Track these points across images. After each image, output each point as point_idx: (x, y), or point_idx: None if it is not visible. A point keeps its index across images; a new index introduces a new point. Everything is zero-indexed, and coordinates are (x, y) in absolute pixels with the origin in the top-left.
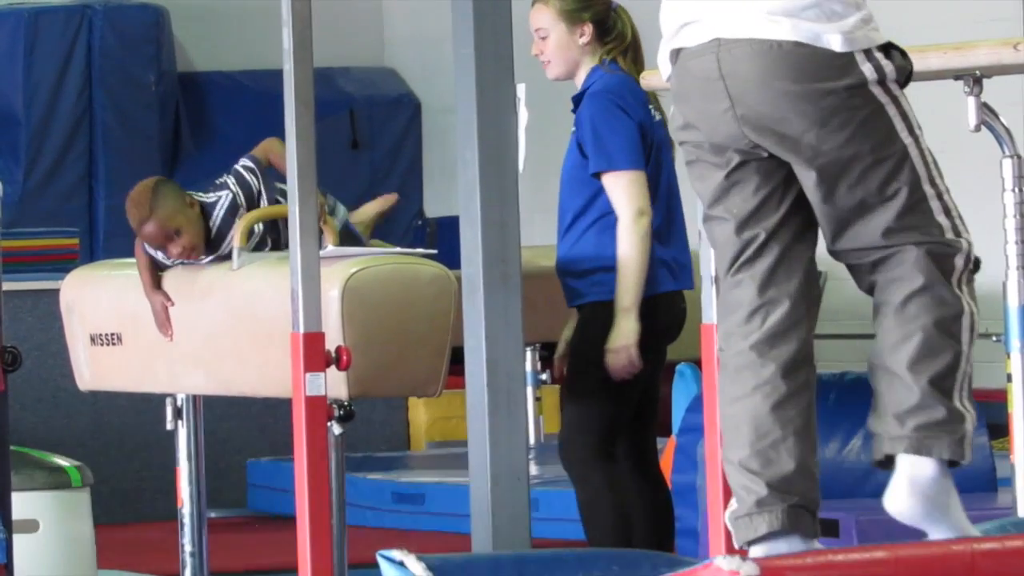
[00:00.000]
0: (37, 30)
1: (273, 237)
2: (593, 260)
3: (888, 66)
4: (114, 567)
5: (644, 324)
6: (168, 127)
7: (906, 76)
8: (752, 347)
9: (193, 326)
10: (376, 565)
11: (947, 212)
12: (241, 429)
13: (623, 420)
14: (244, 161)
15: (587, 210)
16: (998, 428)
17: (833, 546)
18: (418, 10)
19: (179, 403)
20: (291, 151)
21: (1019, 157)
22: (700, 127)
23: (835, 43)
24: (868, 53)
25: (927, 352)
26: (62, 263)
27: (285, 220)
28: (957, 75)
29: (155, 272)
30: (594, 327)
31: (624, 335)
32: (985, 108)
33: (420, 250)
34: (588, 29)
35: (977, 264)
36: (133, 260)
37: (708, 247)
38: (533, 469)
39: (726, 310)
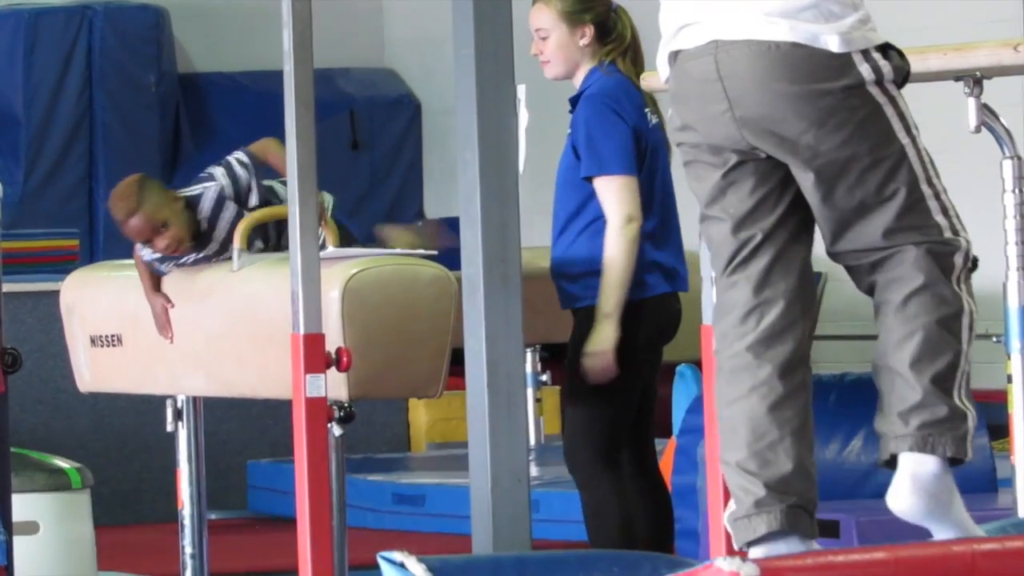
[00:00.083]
0: (37, 31)
1: (262, 235)
2: (587, 263)
3: (886, 66)
4: (114, 569)
5: (640, 327)
6: (168, 128)
7: (903, 76)
8: (748, 348)
9: (193, 328)
10: (376, 567)
11: (945, 211)
12: (241, 431)
13: (626, 423)
14: (238, 154)
15: (580, 213)
16: (998, 429)
17: (833, 547)
18: (418, 11)
19: (179, 405)
20: (291, 152)
21: (1019, 158)
22: (698, 128)
23: (833, 44)
24: (866, 54)
25: (928, 350)
26: (62, 264)
27: (276, 222)
28: (957, 76)
29: (155, 274)
30: (591, 331)
31: (603, 340)
32: (985, 109)
33: (420, 251)
34: (589, 31)
35: (975, 263)
36: (133, 261)
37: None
38: (533, 470)
39: (722, 311)
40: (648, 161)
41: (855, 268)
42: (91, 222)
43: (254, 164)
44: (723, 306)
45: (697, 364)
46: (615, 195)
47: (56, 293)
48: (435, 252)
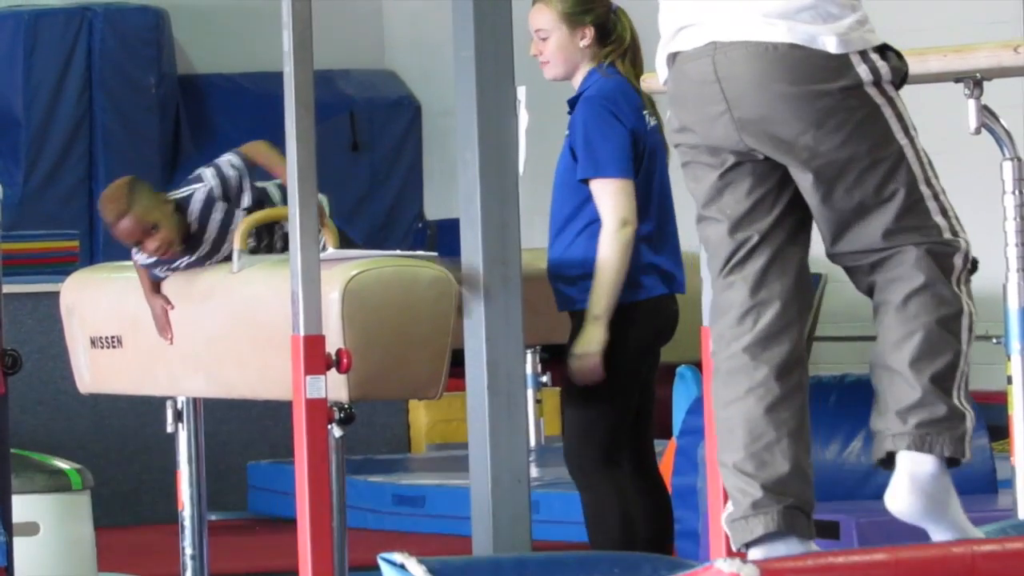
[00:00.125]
0: (37, 32)
1: (255, 236)
2: (584, 266)
3: (883, 67)
4: (114, 570)
5: (638, 329)
6: (168, 129)
7: (902, 77)
8: (745, 349)
9: (193, 329)
10: (376, 568)
11: (944, 212)
12: (241, 432)
13: (625, 424)
14: (229, 156)
15: (578, 215)
16: (998, 430)
17: (833, 548)
18: (418, 12)
19: (179, 406)
20: (291, 153)
21: (1019, 160)
22: (696, 130)
23: (830, 45)
24: (863, 54)
25: (928, 350)
26: (62, 265)
27: (269, 225)
28: (957, 78)
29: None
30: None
31: (591, 342)
32: (985, 111)
33: (420, 252)
34: (589, 32)
35: (975, 265)
36: (132, 263)
37: None
38: (533, 471)
39: (718, 312)
40: (646, 163)
41: (854, 269)
42: (91, 223)
43: (246, 165)
44: (720, 307)
45: (697, 365)
46: (611, 198)
47: (56, 294)
48: (435, 254)
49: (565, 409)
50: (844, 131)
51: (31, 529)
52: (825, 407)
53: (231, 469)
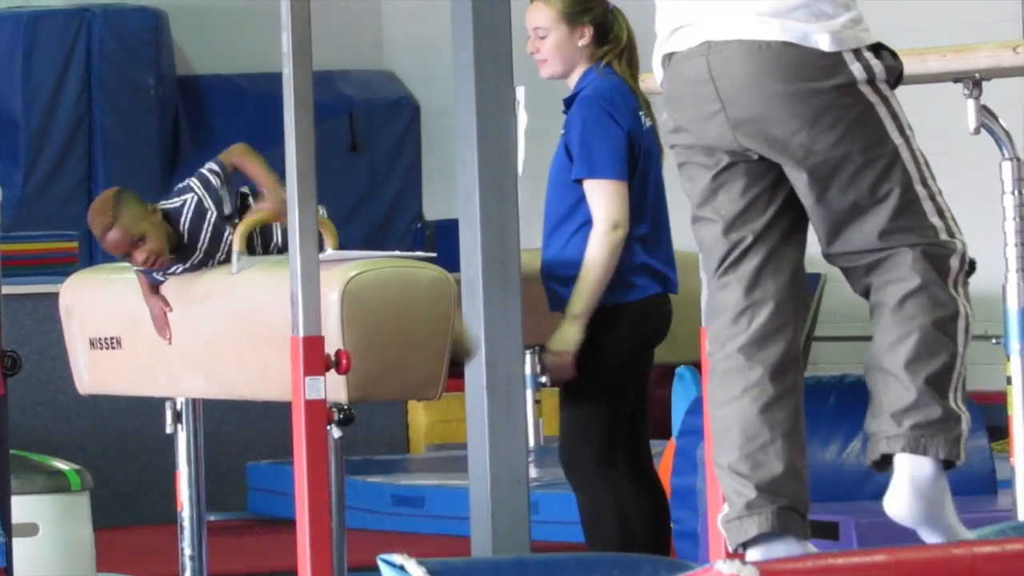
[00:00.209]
0: (36, 33)
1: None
2: (579, 267)
3: (878, 66)
4: (113, 570)
5: (632, 328)
6: (167, 130)
7: (896, 76)
8: (739, 350)
9: (193, 330)
10: (375, 568)
11: (940, 213)
12: (241, 432)
13: (621, 425)
14: (211, 165)
15: (572, 215)
16: (998, 430)
17: (832, 549)
18: (417, 13)
19: (179, 407)
20: (290, 154)
21: (1018, 160)
22: (691, 129)
23: (823, 43)
24: (857, 53)
25: (924, 352)
26: (61, 266)
27: (260, 228)
28: (957, 78)
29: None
30: (589, 335)
31: (566, 341)
32: (985, 111)
33: (420, 253)
34: (588, 32)
35: (972, 266)
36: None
37: None
38: (533, 472)
39: (714, 313)
40: (641, 164)
41: (850, 270)
42: None
43: (225, 172)
44: (715, 307)
45: (696, 365)
46: (604, 200)
47: (55, 295)
48: (434, 255)
49: (561, 410)
50: (838, 129)
51: (30, 530)
52: (824, 407)
53: (230, 470)
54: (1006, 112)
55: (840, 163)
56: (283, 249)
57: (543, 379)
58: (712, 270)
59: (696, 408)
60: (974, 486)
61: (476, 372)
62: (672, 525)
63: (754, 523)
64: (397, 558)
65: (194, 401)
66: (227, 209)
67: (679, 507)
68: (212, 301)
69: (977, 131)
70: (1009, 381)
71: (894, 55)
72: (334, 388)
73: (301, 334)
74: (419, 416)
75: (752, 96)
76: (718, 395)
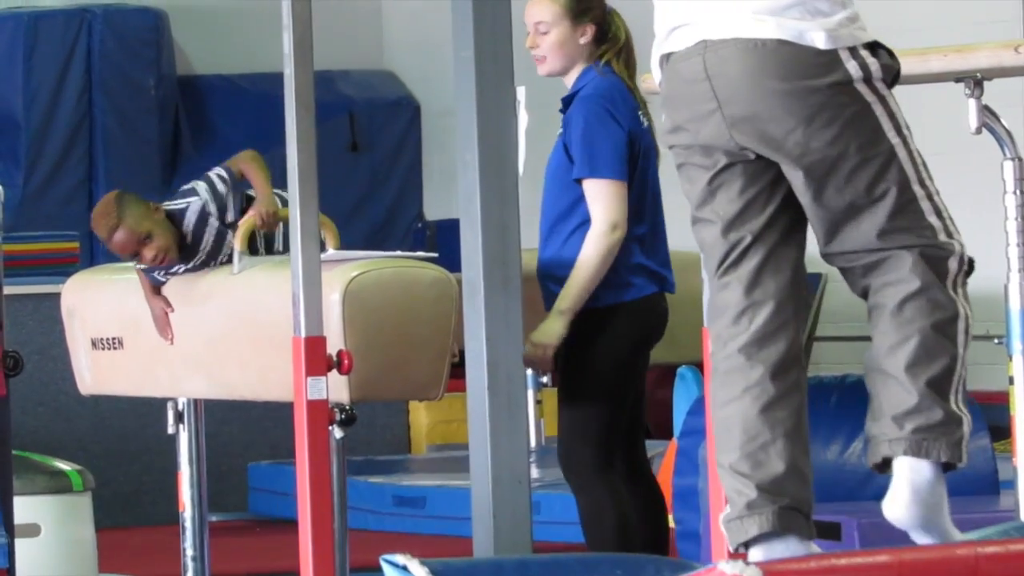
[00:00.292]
0: (37, 34)
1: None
2: None
3: (874, 64)
4: (115, 571)
5: (630, 328)
6: (168, 130)
7: (893, 75)
8: (740, 350)
9: (194, 330)
10: (377, 569)
11: (938, 213)
12: (242, 433)
13: (621, 425)
14: (219, 170)
15: (571, 214)
16: (1000, 430)
17: (835, 549)
18: (417, 13)
19: (180, 407)
20: (291, 154)
21: (1020, 159)
22: (688, 128)
23: (819, 40)
24: (853, 51)
25: (924, 355)
26: (62, 267)
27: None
28: (958, 77)
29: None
30: (587, 335)
31: (550, 334)
32: (986, 110)
33: (421, 253)
34: (590, 30)
35: (971, 266)
36: (133, 264)
37: None
38: (534, 472)
39: (715, 313)
40: (641, 163)
41: (849, 271)
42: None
43: (232, 178)
44: (716, 308)
45: (697, 365)
46: (604, 200)
47: (57, 295)
48: (435, 255)
49: (560, 410)
50: (834, 128)
51: (32, 531)
52: (826, 408)
53: (232, 470)
54: (1007, 112)
55: (836, 162)
56: (286, 251)
57: (543, 379)
58: (713, 271)
59: (698, 408)
60: (976, 486)
61: (477, 372)
62: (674, 525)
63: (754, 523)
64: (400, 558)
65: (196, 401)
66: (231, 215)
67: (681, 507)
68: (213, 301)
69: (978, 131)
70: (1011, 381)
71: (891, 54)
72: (336, 388)
73: (303, 334)
74: (420, 416)
75: (748, 94)
76: (719, 395)
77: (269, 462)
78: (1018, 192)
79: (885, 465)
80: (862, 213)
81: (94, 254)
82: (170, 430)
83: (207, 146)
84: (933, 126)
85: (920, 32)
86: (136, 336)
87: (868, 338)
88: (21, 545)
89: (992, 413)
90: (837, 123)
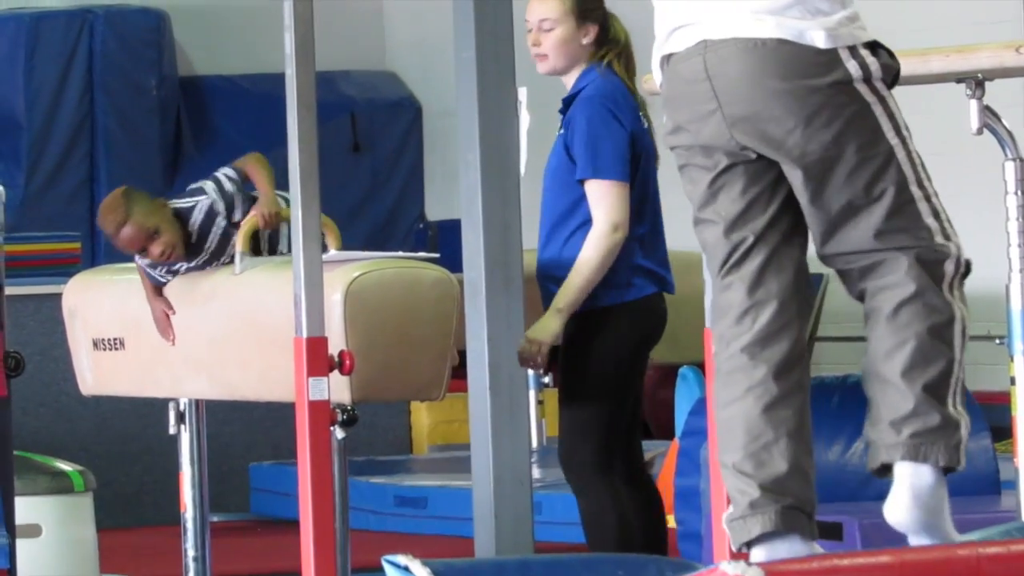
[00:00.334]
0: (38, 35)
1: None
2: None
3: (874, 64)
4: (116, 571)
5: (631, 328)
6: (169, 131)
7: (893, 76)
8: (743, 349)
9: (196, 331)
10: (379, 569)
11: (936, 215)
12: (244, 433)
13: (622, 425)
14: (226, 171)
15: (572, 214)
16: (1001, 431)
17: (837, 550)
18: (419, 13)
19: (182, 407)
20: (293, 155)
21: (1021, 160)
22: (689, 129)
23: (818, 39)
24: (853, 50)
25: (920, 359)
26: (64, 267)
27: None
28: (959, 78)
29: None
30: (588, 335)
31: (546, 332)
32: (987, 111)
33: (422, 254)
34: (593, 30)
35: (968, 268)
36: (135, 264)
37: None
38: (536, 472)
39: (719, 313)
40: (643, 164)
41: (845, 273)
42: (92, 225)
43: (240, 179)
44: (720, 308)
45: (698, 366)
46: (606, 200)
47: (58, 296)
48: (437, 255)
49: (561, 411)
50: (833, 128)
51: (33, 531)
52: (828, 408)
53: (233, 471)
54: (1009, 112)
55: (835, 162)
56: (290, 251)
57: (545, 379)
58: (715, 271)
59: (699, 409)
60: (977, 487)
61: (479, 373)
62: (675, 526)
63: (757, 522)
64: (402, 559)
65: (197, 402)
66: (238, 215)
67: (682, 508)
68: (215, 302)
69: (980, 131)
70: (1013, 382)
71: (891, 54)
72: (337, 389)
73: (304, 335)
74: (422, 417)
75: (748, 93)
76: (722, 394)
77: (271, 463)
78: (1019, 193)
79: (884, 470)
80: (860, 213)
81: (95, 254)
82: (171, 430)
83: (209, 147)
84: (934, 127)
85: (921, 32)
86: (137, 336)
87: None
88: (22, 546)
89: (993, 413)
90: (836, 123)
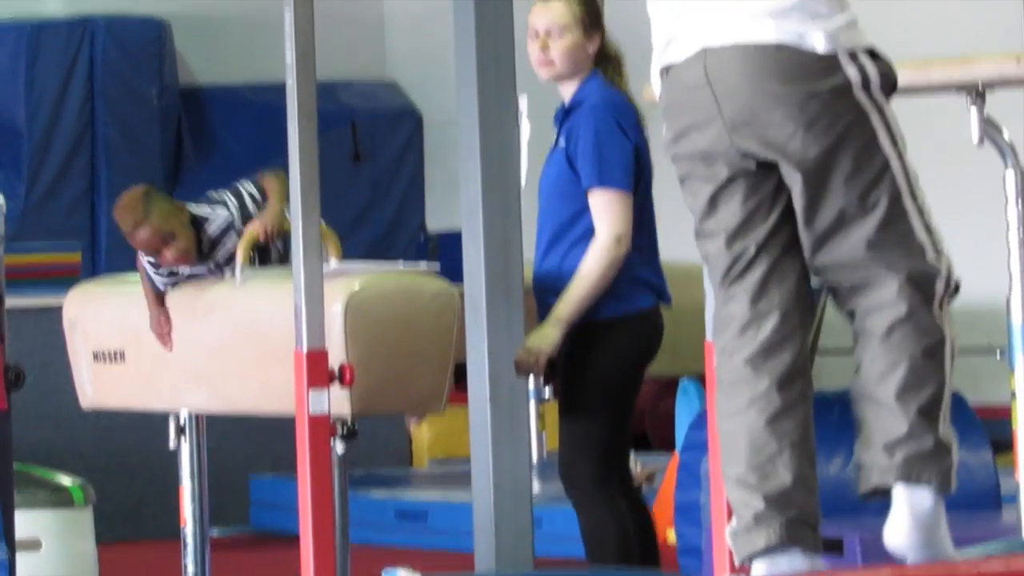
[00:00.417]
0: (39, 44)
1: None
2: None
3: (873, 71)
4: None
5: (633, 340)
6: (170, 141)
7: (892, 85)
8: (746, 361)
9: (196, 343)
10: None
11: (928, 231)
12: (244, 446)
13: (621, 439)
14: (250, 187)
15: (573, 225)
16: (1002, 444)
17: (837, 564)
18: (420, 23)
19: (182, 421)
20: (294, 165)
21: (1022, 171)
22: (689, 136)
23: (818, 43)
24: (852, 55)
25: (914, 382)
26: (64, 278)
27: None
28: (960, 88)
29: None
30: (588, 348)
31: (545, 341)
32: (988, 122)
33: (423, 264)
34: (598, 39)
35: (957, 287)
36: (136, 276)
37: None
38: (536, 486)
39: (721, 325)
40: (644, 176)
41: (837, 288)
42: (93, 235)
43: (262, 195)
44: (722, 320)
45: (699, 378)
46: (610, 211)
47: (58, 308)
48: (437, 267)
49: (561, 424)
50: (832, 134)
51: (33, 545)
52: (829, 421)
53: (233, 484)
54: (1010, 123)
55: (831, 168)
56: None
57: (546, 393)
58: (717, 283)
59: (700, 422)
60: (978, 501)
61: (479, 385)
62: (676, 540)
63: (762, 535)
64: (402, 572)
65: (197, 415)
66: None
67: (683, 522)
68: (215, 314)
69: (981, 142)
70: (1013, 395)
71: (889, 64)
72: (338, 402)
73: (304, 347)
74: (422, 429)
75: (748, 97)
76: (725, 406)
77: (271, 476)
78: (1020, 203)
79: (876, 494)
80: (852, 223)
81: (96, 266)
82: (172, 444)
83: (209, 156)
84: (934, 137)
85: (921, 43)
86: (138, 349)
87: None
88: (22, 560)
89: (994, 427)
90: (835, 130)
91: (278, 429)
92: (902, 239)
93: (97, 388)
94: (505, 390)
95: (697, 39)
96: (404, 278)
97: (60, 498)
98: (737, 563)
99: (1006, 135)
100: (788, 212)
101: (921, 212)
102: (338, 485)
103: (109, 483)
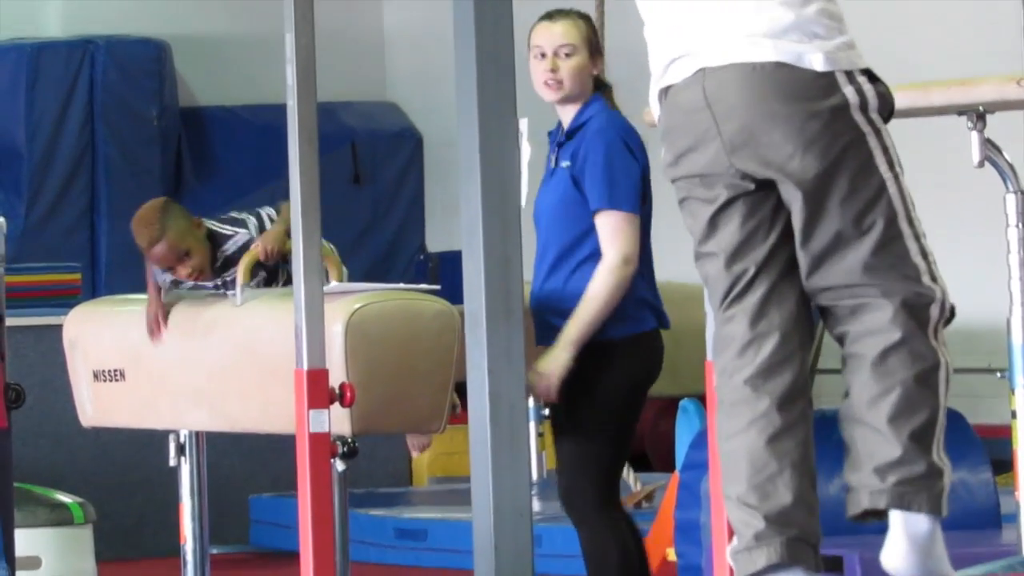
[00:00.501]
0: (39, 65)
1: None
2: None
3: (870, 92)
4: None
5: (637, 362)
6: (170, 161)
7: (889, 109)
8: (746, 381)
9: (196, 362)
10: None
11: (924, 254)
12: (243, 465)
13: (623, 461)
14: (269, 211)
15: (579, 247)
16: (1002, 464)
17: None
18: (420, 44)
19: (182, 439)
20: (294, 186)
21: (1023, 193)
22: (688, 158)
23: (817, 62)
24: (850, 75)
25: (907, 407)
26: (64, 298)
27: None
28: (960, 111)
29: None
30: (593, 369)
31: (556, 364)
32: (989, 144)
33: (423, 285)
34: (601, 63)
35: (952, 313)
36: (136, 296)
37: None
38: (536, 505)
39: (721, 346)
40: (648, 198)
41: (830, 311)
42: (93, 256)
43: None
44: (722, 340)
45: (699, 398)
46: (618, 233)
47: (58, 327)
48: (438, 287)
49: (562, 445)
50: (830, 155)
51: (33, 563)
52: (829, 441)
53: (233, 502)
54: (1010, 145)
55: (829, 189)
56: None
57: (545, 411)
58: (717, 304)
59: (700, 442)
60: (978, 520)
61: (479, 404)
62: (676, 559)
63: (763, 554)
64: None
65: (197, 433)
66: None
67: (683, 541)
68: (216, 333)
69: (981, 164)
70: (1014, 415)
71: (886, 87)
72: (338, 421)
73: (305, 367)
74: None
75: (747, 116)
76: (725, 427)
77: (271, 494)
78: (1020, 226)
79: (866, 516)
80: (848, 245)
81: (96, 286)
82: (171, 462)
83: (209, 177)
84: (935, 159)
85: (922, 66)
86: (138, 368)
87: None
88: None
89: (994, 447)
90: (833, 151)
91: (278, 448)
92: (897, 262)
93: (97, 407)
94: (505, 409)
95: (695, 60)
96: (405, 298)
97: (60, 516)
98: None
99: (1007, 157)
100: (787, 233)
101: (917, 236)
102: (338, 503)
103: (109, 501)
